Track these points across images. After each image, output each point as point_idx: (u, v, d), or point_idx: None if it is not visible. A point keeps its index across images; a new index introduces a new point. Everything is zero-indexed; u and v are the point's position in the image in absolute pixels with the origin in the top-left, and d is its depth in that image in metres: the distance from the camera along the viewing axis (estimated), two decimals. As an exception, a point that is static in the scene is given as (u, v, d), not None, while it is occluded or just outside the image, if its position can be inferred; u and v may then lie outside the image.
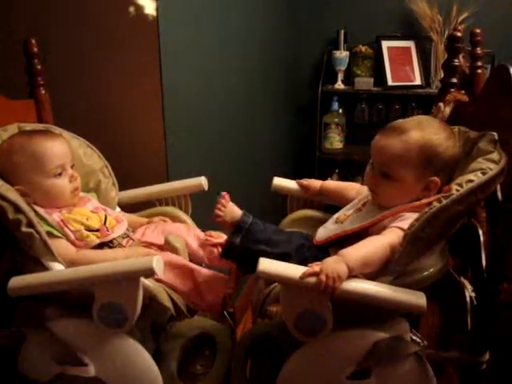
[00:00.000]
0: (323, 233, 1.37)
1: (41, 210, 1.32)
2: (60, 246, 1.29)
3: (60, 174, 1.38)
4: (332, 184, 1.57)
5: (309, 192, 1.56)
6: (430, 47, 3.20)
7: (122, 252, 1.35)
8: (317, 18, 3.33)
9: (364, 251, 1.16)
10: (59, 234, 1.32)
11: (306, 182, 1.57)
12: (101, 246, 1.37)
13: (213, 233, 1.48)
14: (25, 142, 1.36)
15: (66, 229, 1.33)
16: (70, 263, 1.27)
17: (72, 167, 1.42)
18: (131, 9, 1.73)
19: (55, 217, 1.34)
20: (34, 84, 1.60)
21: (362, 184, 1.52)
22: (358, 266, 1.13)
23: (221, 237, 1.45)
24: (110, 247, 1.37)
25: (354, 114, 3.39)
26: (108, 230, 1.39)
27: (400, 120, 1.32)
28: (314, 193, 1.56)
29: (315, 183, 1.56)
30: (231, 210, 1.35)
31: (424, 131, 1.24)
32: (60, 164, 1.38)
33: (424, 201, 1.22)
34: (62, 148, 1.40)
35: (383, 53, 3.23)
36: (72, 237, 1.33)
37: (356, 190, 1.49)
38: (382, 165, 1.27)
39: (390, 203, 1.28)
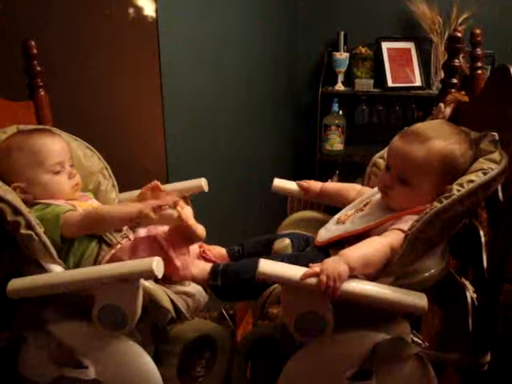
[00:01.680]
0: (325, 234, 1.37)
1: (46, 200, 1.33)
2: (76, 214, 1.31)
3: (59, 172, 1.38)
4: (332, 185, 1.57)
5: (309, 194, 1.56)
6: (430, 48, 3.20)
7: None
8: (317, 19, 3.34)
9: (365, 252, 1.16)
10: (72, 208, 1.33)
11: (305, 184, 1.56)
12: (100, 243, 1.36)
13: (210, 248, 1.46)
14: (24, 139, 1.37)
15: (75, 206, 1.35)
16: (85, 222, 1.29)
17: (71, 166, 1.43)
18: (131, 10, 1.73)
19: (61, 201, 1.35)
20: (34, 85, 1.60)
21: (363, 185, 1.52)
22: (358, 266, 1.13)
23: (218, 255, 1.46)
24: (109, 245, 1.37)
25: (355, 115, 3.39)
26: None
27: (420, 124, 1.30)
28: (314, 195, 1.55)
29: (315, 185, 1.55)
30: (196, 264, 1.37)
31: (448, 141, 1.23)
32: (59, 161, 1.38)
33: (426, 206, 1.21)
34: (61, 145, 1.41)
35: (383, 54, 3.23)
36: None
37: (357, 190, 1.49)
38: (400, 170, 1.26)
39: (400, 206, 1.27)
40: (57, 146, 1.40)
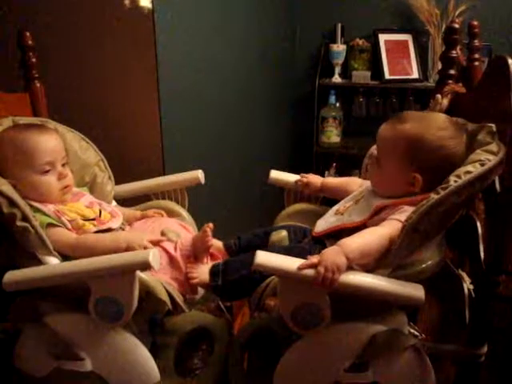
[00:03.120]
0: (323, 224, 1.37)
1: (35, 203, 1.31)
2: (61, 233, 1.29)
3: (48, 171, 1.35)
4: (333, 180, 1.56)
5: (309, 189, 1.56)
6: (427, 41, 3.19)
7: (122, 234, 1.38)
8: (314, 11, 3.32)
9: (362, 241, 1.15)
10: (58, 223, 1.31)
11: (305, 179, 1.56)
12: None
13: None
14: (15, 135, 1.35)
15: (62, 218, 1.32)
16: (71, 250, 1.28)
17: (64, 165, 1.40)
18: (126, 1, 1.72)
19: (50, 207, 1.33)
20: (29, 77, 1.59)
21: (360, 177, 1.52)
22: (356, 256, 1.13)
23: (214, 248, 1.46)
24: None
25: (352, 107, 3.38)
26: (103, 224, 1.39)
27: (409, 111, 1.32)
28: (314, 190, 1.55)
29: (315, 180, 1.55)
30: (202, 269, 1.36)
31: (420, 124, 1.23)
32: (48, 161, 1.35)
33: (424, 195, 1.20)
34: (53, 144, 1.38)
35: (380, 46, 3.22)
36: (69, 225, 1.32)
37: (358, 184, 1.48)
38: (377, 151, 1.30)
39: (380, 190, 1.29)
40: (49, 144, 1.36)
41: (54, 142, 1.38)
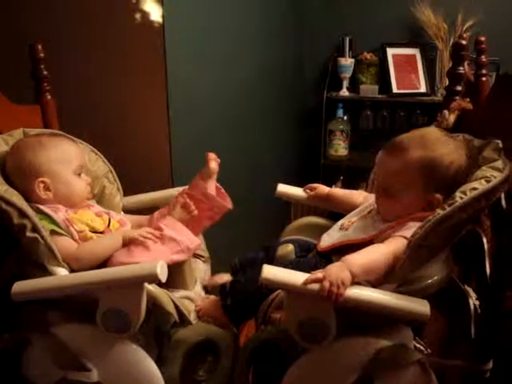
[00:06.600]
0: (327, 240, 1.37)
1: (47, 209, 1.32)
2: (63, 242, 1.29)
3: (79, 175, 1.41)
4: (339, 191, 1.57)
5: (315, 194, 1.56)
6: (435, 55, 3.20)
7: (119, 230, 1.41)
8: (322, 24, 3.34)
9: (368, 258, 1.16)
10: (63, 232, 1.32)
11: (313, 185, 1.56)
12: None
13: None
14: (48, 139, 1.39)
15: (71, 228, 1.33)
16: (74, 259, 1.28)
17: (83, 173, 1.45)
18: (137, 15, 1.74)
19: (60, 215, 1.34)
20: (40, 89, 1.61)
21: (366, 191, 1.53)
22: (361, 272, 1.13)
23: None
24: None
25: (359, 121, 3.39)
26: None
27: (403, 135, 1.30)
28: (320, 197, 1.55)
29: (323, 187, 1.56)
30: (205, 303, 1.41)
31: (426, 149, 1.23)
32: (81, 164, 1.42)
33: (428, 212, 1.20)
34: (79, 151, 1.45)
35: (388, 60, 3.23)
36: (76, 236, 1.33)
37: (363, 196, 1.49)
38: (382, 182, 1.29)
39: (388, 217, 1.28)
40: (77, 150, 1.44)
41: (78, 149, 1.45)
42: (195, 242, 1.42)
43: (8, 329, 1.30)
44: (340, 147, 3.32)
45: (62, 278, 1.23)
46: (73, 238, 1.33)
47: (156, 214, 1.52)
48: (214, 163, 1.55)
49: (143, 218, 1.57)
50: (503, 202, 1.21)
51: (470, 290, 1.41)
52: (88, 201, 1.48)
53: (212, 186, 1.53)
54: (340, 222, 1.41)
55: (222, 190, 1.55)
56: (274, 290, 1.24)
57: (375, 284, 1.16)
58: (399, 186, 1.25)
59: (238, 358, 1.36)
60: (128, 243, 1.35)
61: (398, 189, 1.25)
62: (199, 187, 1.52)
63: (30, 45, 1.58)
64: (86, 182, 1.43)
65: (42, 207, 1.32)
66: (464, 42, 1.58)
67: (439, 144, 1.24)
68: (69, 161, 1.39)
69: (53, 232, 1.29)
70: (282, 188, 1.61)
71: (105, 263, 1.32)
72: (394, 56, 3.24)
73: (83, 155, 1.48)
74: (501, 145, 1.21)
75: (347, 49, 3.24)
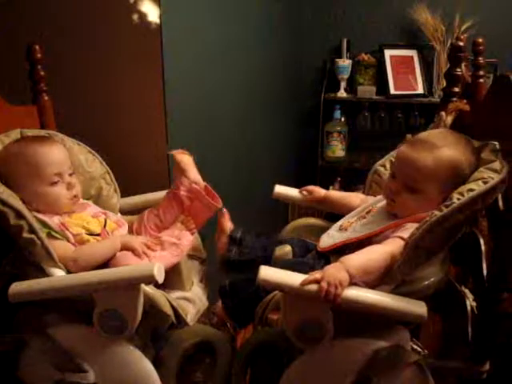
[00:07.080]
0: (327, 240, 1.37)
1: (40, 215, 1.32)
2: (59, 246, 1.29)
3: (56, 182, 1.37)
4: (336, 193, 1.57)
5: (312, 198, 1.56)
6: (432, 56, 3.21)
7: (118, 236, 1.41)
8: (320, 26, 3.35)
9: (365, 259, 1.16)
10: (59, 236, 1.32)
11: (310, 187, 1.57)
12: None
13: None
14: (22, 149, 1.36)
15: (66, 232, 1.33)
16: (72, 262, 1.28)
17: (71, 175, 1.41)
18: (134, 16, 1.74)
19: (55, 220, 1.34)
20: (37, 90, 1.60)
21: (364, 193, 1.53)
22: (358, 273, 1.13)
23: None
24: None
25: (357, 122, 3.39)
26: (108, 234, 1.40)
27: (426, 133, 1.32)
28: (317, 199, 1.55)
29: (319, 189, 1.56)
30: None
31: (455, 150, 1.23)
32: (57, 172, 1.37)
33: (428, 213, 1.21)
34: (60, 156, 1.39)
35: (386, 61, 3.23)
36: (72, 240, 1.33)
37: (360, 198, 1.49)
38: (407, 178, 1.26)
39: (406, 213, 1.27)
40: (56, 155, 1.38)
41: (60, 153, 1.40)
42: (192, 241, 1.44)
43: (5, 330, 1.30)
44: (337, 148, 3.32)
45: (58, 278, 1.22)
46: (69, 241, 1.33)
47: (146, 212, 1.52)
48: (179, 155, 1.55)
49: (134, 218, 1.57)
50: (500, 204, 1.21)
51: (467, 291, 1.41)
52: (83, 200, 1.47)
53: (196, 177, 1.54)
54: (339, 223, 1.41)
55: (210, 189, 1.54)
56: (271, 291, 1.24)
57: (372, 285, 1.16)
58: (426, 183, 1.24)
59: (235, 360, 1.36)
60: (128, 250, 1.35)
61: (424, 185, 1.24)
62: (184, 184, 1.52)
63: (27, 46, 1.57)
64: (66, 186, 1.38)
65: (35, 213, 1.31)
66: (461, 44, 1.59)
67: (465, 145, 1.25)
68: (38, 172, 1.34)
69: (49, 235, 1.28)
70: (279, 189, 1.61)
71: (103, 266, 1.32)
72: (391, 57, 3.25)
73: (65, 159, 1.41)
74: (498, 146, 1.21)
75: (345, 50, 3.24)
